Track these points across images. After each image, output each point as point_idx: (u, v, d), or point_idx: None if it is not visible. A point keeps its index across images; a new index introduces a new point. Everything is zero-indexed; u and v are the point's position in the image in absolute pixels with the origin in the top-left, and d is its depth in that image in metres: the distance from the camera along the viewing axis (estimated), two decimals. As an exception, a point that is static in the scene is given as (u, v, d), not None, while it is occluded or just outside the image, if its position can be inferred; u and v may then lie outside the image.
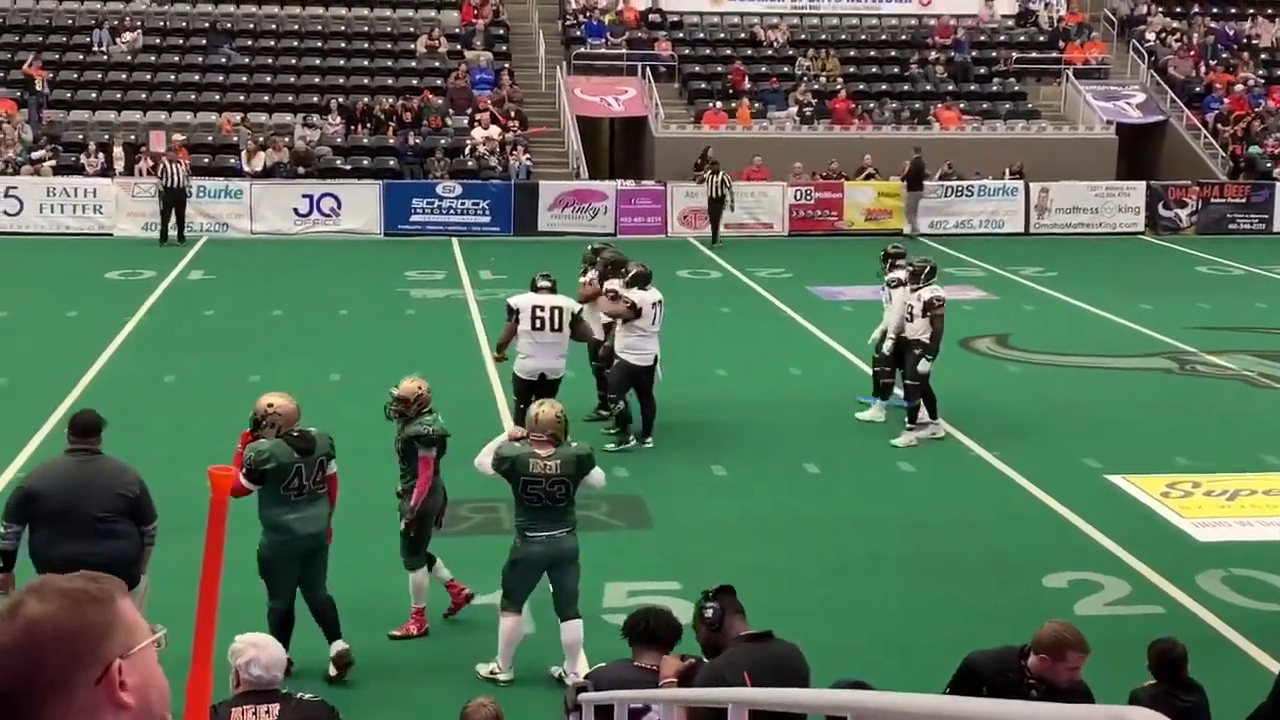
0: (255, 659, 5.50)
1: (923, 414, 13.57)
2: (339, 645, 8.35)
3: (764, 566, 9.97)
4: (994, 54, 32.71)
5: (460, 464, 9.28)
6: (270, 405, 8.38)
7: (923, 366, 13.29)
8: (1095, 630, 9.26)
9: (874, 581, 10.11)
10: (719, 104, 29.75)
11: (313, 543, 8.27)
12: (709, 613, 5.98)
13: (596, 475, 8.52)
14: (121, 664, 1.92)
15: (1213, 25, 34.24)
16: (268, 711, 5.40)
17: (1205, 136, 30.45)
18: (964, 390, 15.61)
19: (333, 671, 8.29)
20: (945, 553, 10.70)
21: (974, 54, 32.45)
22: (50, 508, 7.64)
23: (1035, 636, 6.03)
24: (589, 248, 14.68)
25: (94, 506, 7.64)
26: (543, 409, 8.44)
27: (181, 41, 30.66)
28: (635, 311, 12.94)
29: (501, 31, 32.00)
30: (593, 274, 13.70)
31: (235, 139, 27.22)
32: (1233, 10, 35.43)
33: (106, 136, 26.83)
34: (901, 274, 13.82)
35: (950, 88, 31.43)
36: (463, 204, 26.12)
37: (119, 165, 26.12)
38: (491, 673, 8.36)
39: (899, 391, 13.92)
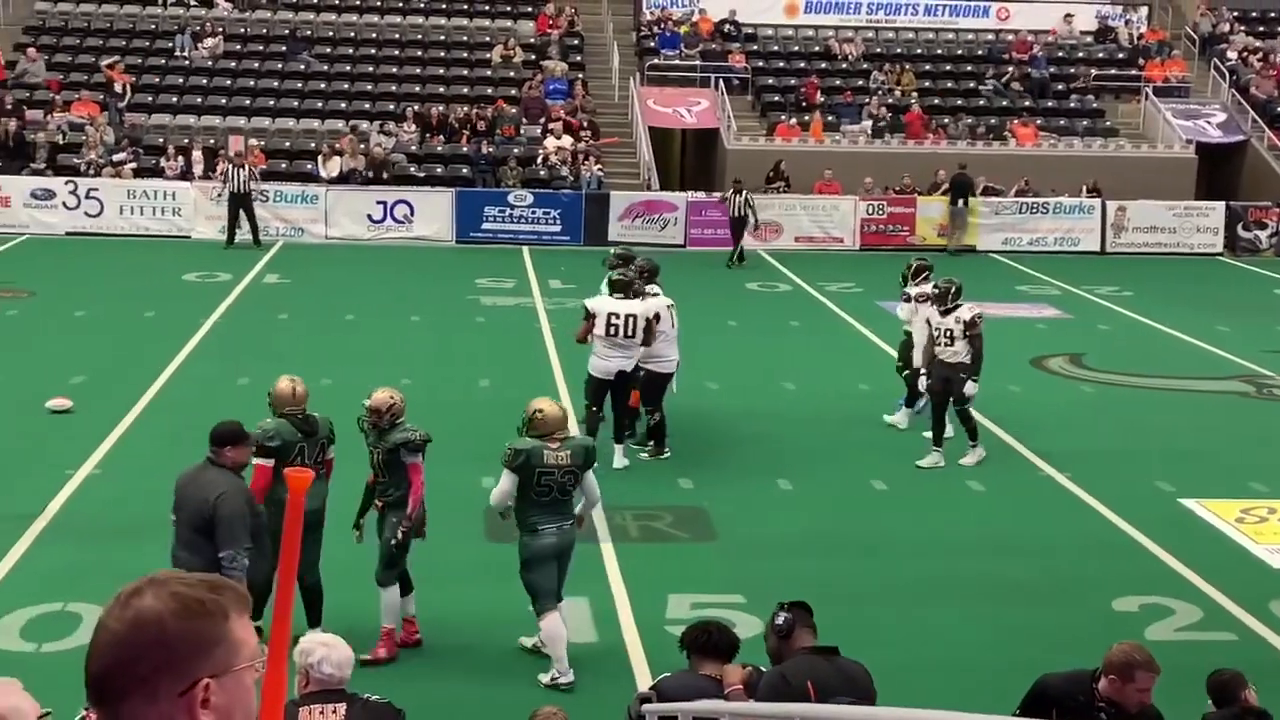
0: (326, 658, 5.51)
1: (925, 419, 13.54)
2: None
3: (829, 583, 9.90)
4: (1072, 70, 32.38)
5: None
6: (270, 391, 8.87)
7: (969, 389, 13.03)
8: (1166, 656, 9.11)
9: (942, 602, 10.01)
10: (791, 117, 29.68)
11: (310, 519, 8.27)
12: (780, 620, 5.99)
13: (592, 482, 8.57)
14: (211, 683, 1.93)
15: (1297, 44, 33.70)
16: (335, 711, 5.43)
17: (1287, 157, 29.97)
18: (1036, 410, 15.46)
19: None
20: (1014, 574, 10.58)
21: (1051, 70, 32.14)
22: (174, 508, 7.93)
23: (1105, 658, 5.96)
24: (612, 253, 14.42)
25: (189, 516, 7.78)
26: (548, 407, 8.54)
27: (261, 48, 31.07)
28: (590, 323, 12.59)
29: (576, 42, 32.14)
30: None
31: (313, 145, 27.55)
32: (1318, 29, 34.86)
33: (186, 140, 27.24)
34: (928, 288, 13.86)
35: (1026, 103, 31.15)
36: (534, 213, 26.24)
37: (198, 169, 26.51)
38: (553, 679, 8.36)
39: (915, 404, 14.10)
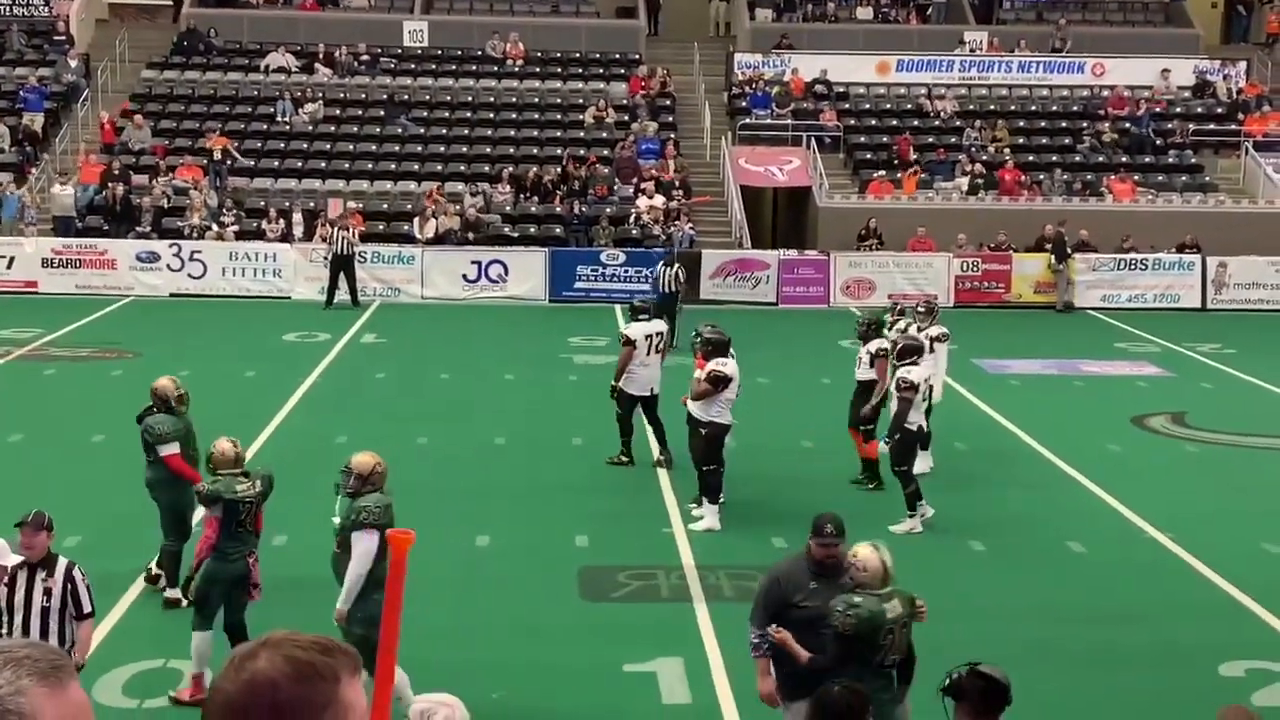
0: (450, 718, 5.32)
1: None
2: None
3: (930, 649, 9.74)
4: (1170, 125, 32.00)
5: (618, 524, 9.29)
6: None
7: (880, 447, 12.88)
8: (1277, 724, 8.89)
9: (1044, 669, 9.80)
10: (884, 174, 29.63)
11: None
12: (946, 682, 5.80)
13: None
14: None
15: (1402, 96, 33.03)
16: None
17: (1394, 210, 29.29)
18: (1137, 469, 15.18)
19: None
20: (1118, 639, 10.35)
21: (1152, 126, 31.78)
22: None
23: None
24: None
25: None
26: (361, 458, 8.63)
27: (360, 112, 31.71)
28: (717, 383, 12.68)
29: (668, 103, 32.41)
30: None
31: (409, 206, 28.02)
32: None
33: (287, 204, 27.83)
34: (936, 330, 14.84)
35: (1123, 159, 30.82)
36: (626, 271, 26.39)
37: (298, 231, 27.05)
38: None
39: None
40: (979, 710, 5.74)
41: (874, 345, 13.96)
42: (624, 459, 14.76)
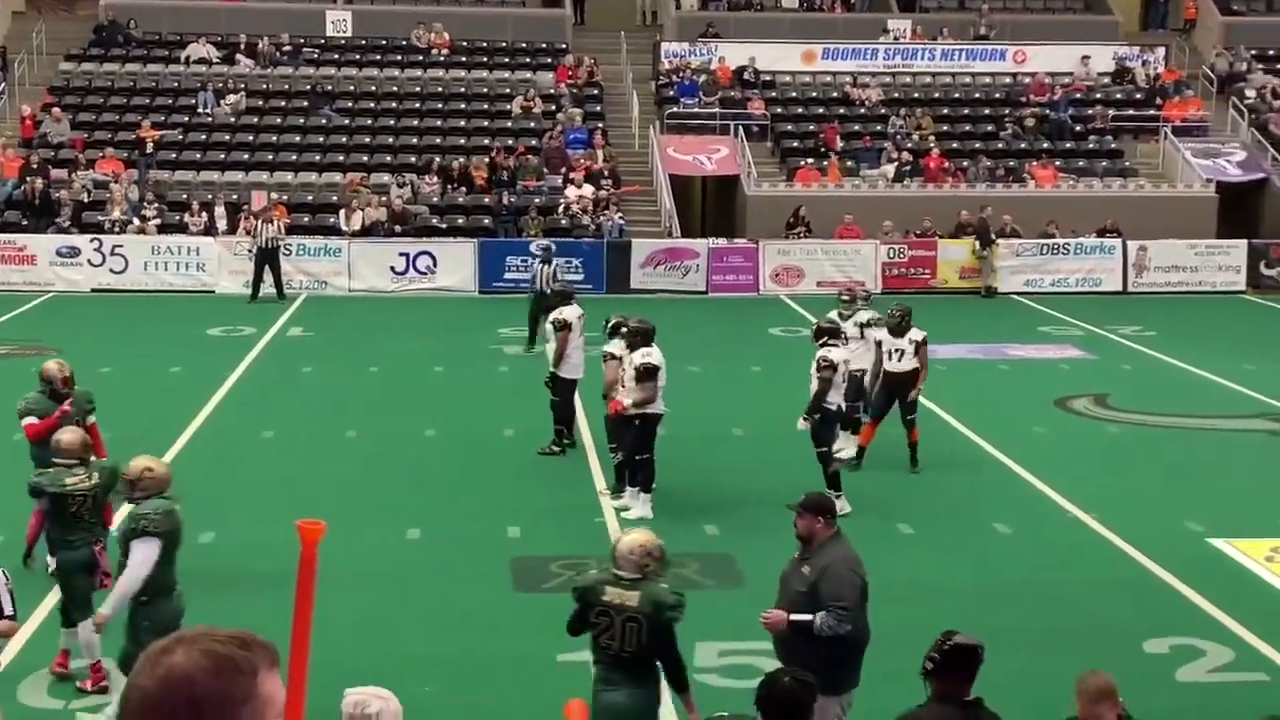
0: (384, 710, 5.30)
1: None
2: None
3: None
4: (1090, 112, 32.43)
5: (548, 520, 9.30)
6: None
7: (799, 425, 12.89)
8: (1197, 698, 9.07)
9: (969, 645, 9.92)
10: (811, 162, 29.79)
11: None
12: (929, 665, 5.87)
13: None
14: None
15: (1315, 81, 33.68)
16: None
17: (1308, 194, 29.90)
18: (1061, 451, 15.40)
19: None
20: (1043, 618, 10.51)
21: (1070, 112, 32.19)
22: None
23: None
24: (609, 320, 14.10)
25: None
26: (158, 466, 8.45)
27: (283, 103, 31.38)
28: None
29: (595, 92, 32.37)
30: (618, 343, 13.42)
31: (335, 198, 27.78)
32: (1336, 66, 34.87)
33: (210, 196, 27.49)
34: (874, 314, 15.17)
35: (1045, 145, 31.21)
36: (556, 261, 26.29)
37: (221, 224, 26.74)
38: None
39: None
40: (960, 680, 5.87)
41: (915, 334, 14.38)
42: (555, 449, 14.77)
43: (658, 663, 7.08)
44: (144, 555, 7.85)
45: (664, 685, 7.25)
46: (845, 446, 14.40)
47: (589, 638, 7.16)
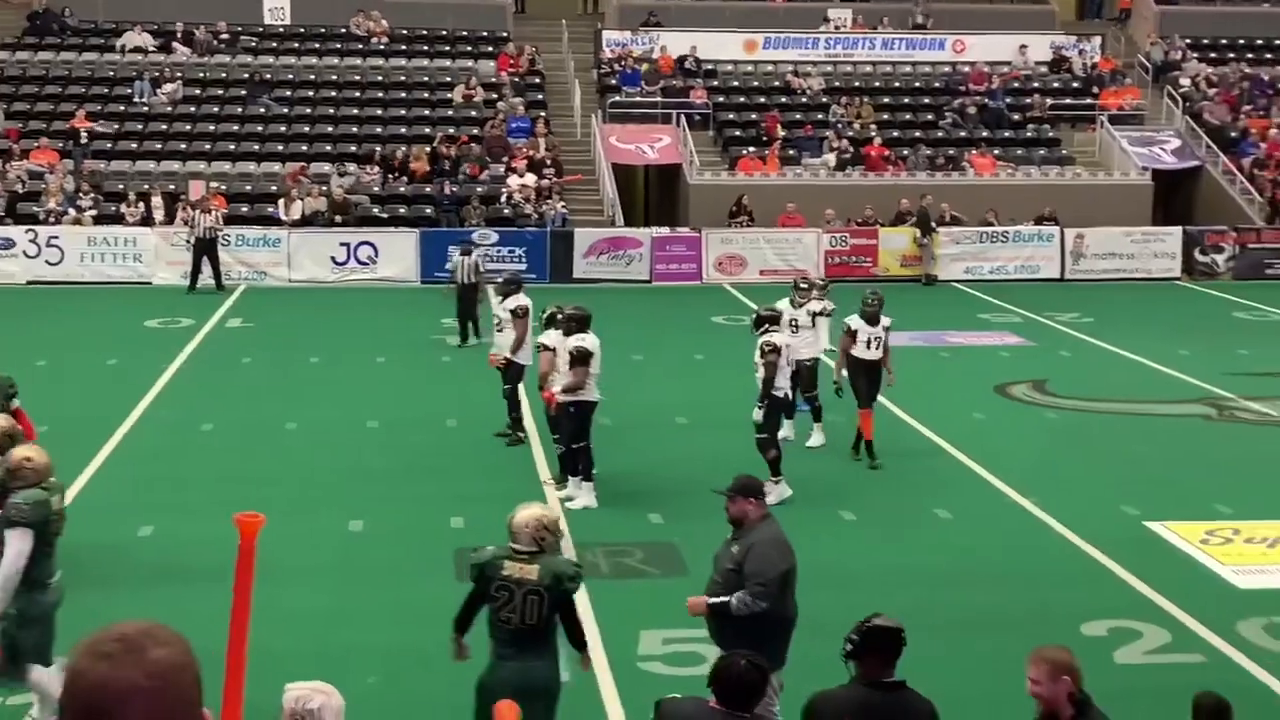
0: (326, 705, 5.16)
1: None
2: None
3: (804, 617, 9.89)
4: (1028, 100, 32.73)
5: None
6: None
7: (755, 414, 12.92)
8: (1135, 679, 9.20)
9: (914, 635, 9.90)
10: (753, 151, 29.87)
11: None
12: (846, 645, 5.94)
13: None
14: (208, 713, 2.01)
15: (1248, 71, 34.16)
16: None
17: (1241, 182, 30.34)
18: (1000, 436, 15.56)
19: None
20: (981, 601, 10.62)
21: (1008, 101, 32.48)
22: None
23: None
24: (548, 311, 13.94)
25: None
26: (38, 455, 8.02)
27: (221, 92, 31.05)
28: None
29: (537, 81, 32.27)
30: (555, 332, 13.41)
31: (274, 188, 27.53)
32: (1268, 55, 35.38)
33: (146, 186, 27.16)
34: (827, 304, 15.41)
35: (984, 134, 31.46)
36: (499, 251, 26.26)
37: (158, 215, 26.43)
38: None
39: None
40: (881, 662, 5.96)
41: (885, 320, 14.51)
42: (510, 433, 14.69)
43: (556, 632, 7.10)
44: (17, 547, 7.64)
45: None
46: (814, 435, 14.64)
47: (485, 615, 7.11)
